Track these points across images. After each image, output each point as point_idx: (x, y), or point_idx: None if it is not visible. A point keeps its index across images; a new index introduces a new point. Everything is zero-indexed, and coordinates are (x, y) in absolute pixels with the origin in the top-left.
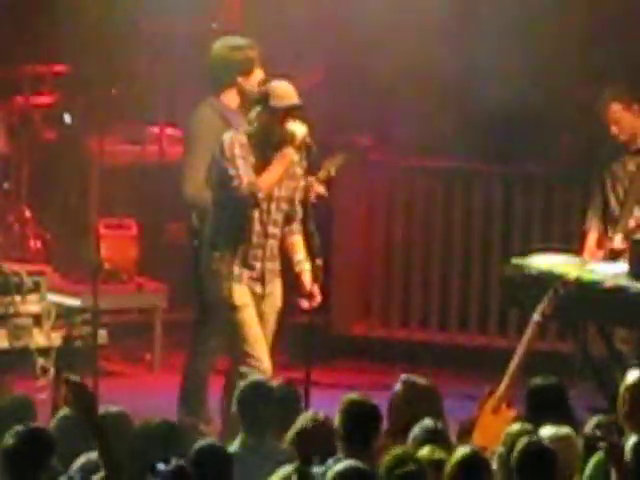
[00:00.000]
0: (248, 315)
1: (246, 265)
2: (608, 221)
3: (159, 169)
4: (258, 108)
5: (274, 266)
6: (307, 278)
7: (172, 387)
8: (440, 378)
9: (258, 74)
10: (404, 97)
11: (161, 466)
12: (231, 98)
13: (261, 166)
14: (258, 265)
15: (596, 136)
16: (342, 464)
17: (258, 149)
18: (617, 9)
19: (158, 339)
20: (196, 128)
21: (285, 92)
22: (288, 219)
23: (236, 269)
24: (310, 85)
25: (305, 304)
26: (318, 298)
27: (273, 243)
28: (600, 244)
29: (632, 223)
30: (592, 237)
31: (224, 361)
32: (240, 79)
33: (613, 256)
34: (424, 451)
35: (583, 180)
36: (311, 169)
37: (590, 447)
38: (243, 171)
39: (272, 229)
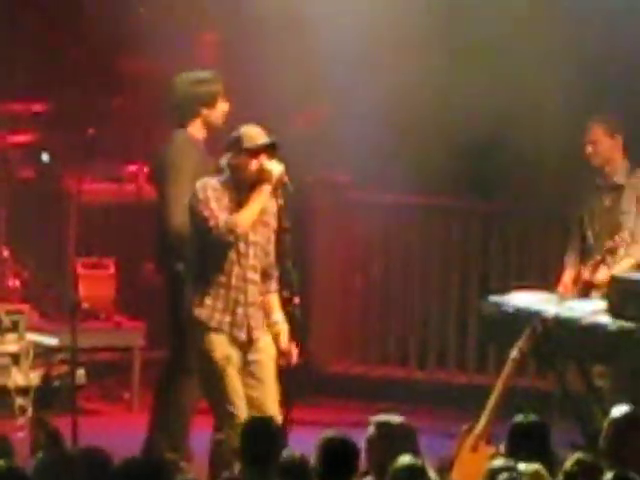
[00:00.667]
0: (225, 367)
1: (227, 310)
2: (586, 257)
3: (137, 207)
4: (230, 154)
5: (258, 314)
6: (284, 339)
7: None
8: (419, 415)
9: (223, 106)
10: (382, 135)
11: None
12: (196, 130)
13: (236, 208)
14: (240, 310)
15: (576, 174)
16: None
17: (232, 193)
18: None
19: (136, 378)
20: (174, 159)
21: (257, 133)
22: (266, 275)
23: (217, 315)
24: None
25: (282, 362)
26: (294, 357)
27: (253, 289)
28: (577, 281)
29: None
30: (568, 274)
31: None
32: (204, 111)
33: (585, 288)
34: None
35: (560, 217)
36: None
37: None
38: (217, 211)
39: (251, 274)
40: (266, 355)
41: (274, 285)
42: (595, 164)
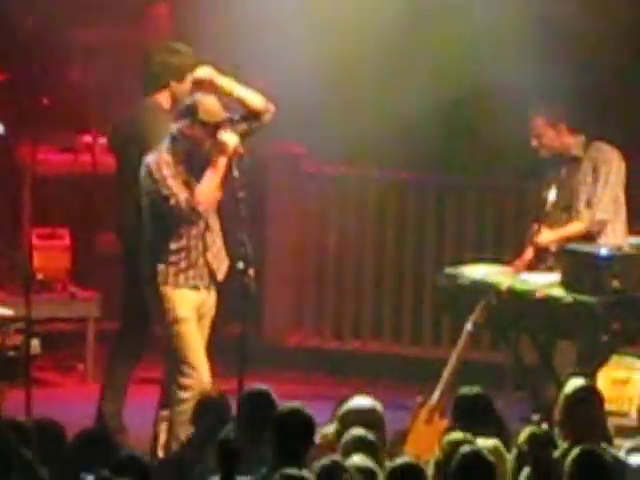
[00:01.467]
0: (189, 327)
1: (190, 267)
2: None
3: (92, 178)
4: (185, 121)
5: (216, 249)
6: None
7: None
8: (373, 388)
9: (187, 83)
10: (337, 107)
11: (87, 477)
12: (164, 100)
13: (191, 180)
14: (201, 261)
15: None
16: None
17: (185, 164)
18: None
19: (90, 349)
20: (147, 127)
21: (213, 106)
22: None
23: (181, 276)
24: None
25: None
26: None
27: (212, 235)
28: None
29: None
30: (528, 251)
31: (160, 371)
32: (173, 83)
33: (537, 252)
34: (354, 459)
35: (515, 190)
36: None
37: (522, 459)
38: (176, 189)
39: (210, 221)
40: (207, 317)
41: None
42: (544, 155)
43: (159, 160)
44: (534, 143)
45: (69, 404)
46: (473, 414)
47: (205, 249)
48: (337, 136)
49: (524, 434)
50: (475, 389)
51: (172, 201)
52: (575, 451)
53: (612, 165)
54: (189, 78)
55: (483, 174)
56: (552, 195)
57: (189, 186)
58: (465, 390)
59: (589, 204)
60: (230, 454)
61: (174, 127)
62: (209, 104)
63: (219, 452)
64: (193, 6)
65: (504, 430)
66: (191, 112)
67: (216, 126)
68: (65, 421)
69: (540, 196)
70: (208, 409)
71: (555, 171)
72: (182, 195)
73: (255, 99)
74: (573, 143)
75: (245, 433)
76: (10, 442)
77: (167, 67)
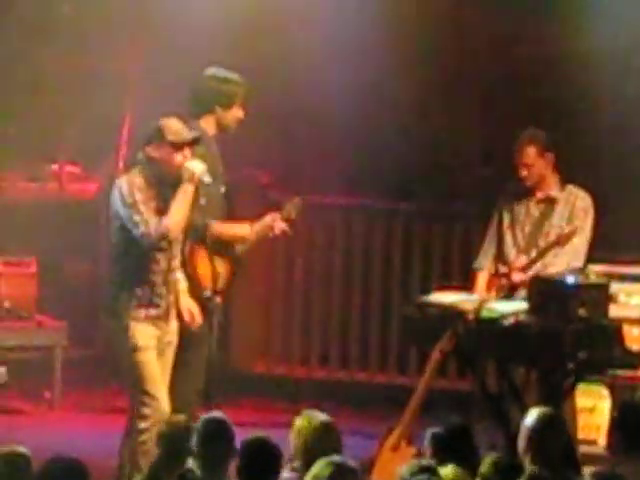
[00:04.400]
0: (149, 356)
1: (152, 305)
2: (501, 262)
3: (59, 207)
4: (153, 144)
5: (173, 299)
6: (184, 299)
7: (72, 425)
8: (341, 415)
9: (238, 112)
10: (304, 135)
11: None
12: (209, 125)
13: (162, 205)
14: (164, 303)
15: (499, 175)
16: None
17: (156, 188)
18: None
19: (58, 377)
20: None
21: (179, 127)
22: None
23: (142, 312)
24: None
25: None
26: (198, 318)
27: (174, 277)
28: (490, 285)
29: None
30: (482, 277)
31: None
32: (219, 110)
33: (508, 295)
34: None
35: (482, 218)
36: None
37: None
38: (147, 216)
39: (174, 263)
40: (168, 345)
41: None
42: (529, 184)
43: (132, 184)
44: (524, 173)
45: (36, 432)
46: (450, 444)
47: (169, 291)
48: (304, 164)
49: (486, 461)
50: (455, 419)
51: (142, 228)
52: (524, 477)
53: (589, 213)
54: (237, 108)
55: (451, 200)
56: (511, 236)
57: (160, 212)
58: (444, 419)
59: (561, 247)
60: None
61: (141, 153)
62: (175, 126)
63: None
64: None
65: (478, 459)
66: (158, 134)
67: (183, 145)
68: (32, 449)
69: (495, 227)
70: (172, 437)
71: (522, 208)
72: (152, 221)
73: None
74: (552, 180)
75: (204, 463)
76: None
77: (215, 93)
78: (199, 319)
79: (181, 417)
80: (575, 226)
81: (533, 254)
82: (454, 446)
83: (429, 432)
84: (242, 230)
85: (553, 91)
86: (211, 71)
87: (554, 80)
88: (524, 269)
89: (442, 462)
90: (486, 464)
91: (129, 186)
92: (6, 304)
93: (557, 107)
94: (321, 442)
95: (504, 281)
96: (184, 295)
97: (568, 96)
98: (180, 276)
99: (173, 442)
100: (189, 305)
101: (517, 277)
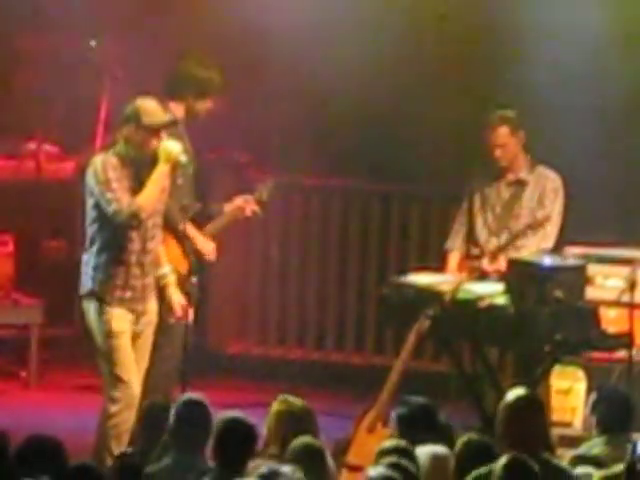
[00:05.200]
0: (122, 341)
1: (127, 286)
2: (471, 243)
3: (36, 185)
4: (129, 126)
5: (151, 280)
6: (172, 291)
7: (48, 403)
8: (316, 397)
9: (210, 102)
10: (283, 114)
11: None
12: (178, 111)
13: (136, 185)
14: (139, 284)
15: (472, 155)
16: None
17: (131, 168)
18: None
19: (34, 355)
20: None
21: (156, 109)
22: (156, 228)
23: (117, 292)
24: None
25: (172, 319)
26: (187, 312)
27: (150, 258)
28: (461, 266)
29: (491, 247)
30: (454, 258)
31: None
32: (191, 98)
33: (481, 276)
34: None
35: (459, 198)
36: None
37: (462, 467)
38: (120, 193)
39: (149, 244)
40: (147, 325)
41: (160, 236)
42: (503, 164)
43: (106, 162)
44: (497, 153)
45: (12, 411)
46: (416, 423)
47: (144, 272)
48: (281, 144)
49: (461, 441)
50: (418, 399)
51: (114, 205)
52: (503, 458)
53: (559, 195)
54: (209, 98)
55: (429, 180)
56: (482, 218)
57: (134, 192)
58: (407, 399)
59: (532, 231)
60: (129, 470)
61: (118, 133)
62: (151, 108)
63: (118, 467)
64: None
65: (451, 439)
66: (134, 116)
67: (159, 128)
68: (8, 428)
69: (465, 209)
70: (152, 416)
71: (493, 190)
72: (125, 200)
73: None
74: (523, 161)
75: (180, 443)
76: None
77: (191, 83)
78: (191, 314)
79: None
80: (548, 213)
81: (504, 236)
82: (418, 426)
83: (393, 413)
84: (205, 247)
85: None
86: (192, 58)
87: None
88: (495, 255)
89: (410, 442)
90: (459, 444)
91: (103, 164)
92: None
93: None
94: (299, 427)
95: (476, 264)
96: (174, 289)
97: None
98: (168, 269)
99: (153, 421)
100: (180, 300)
101: (488, 267)
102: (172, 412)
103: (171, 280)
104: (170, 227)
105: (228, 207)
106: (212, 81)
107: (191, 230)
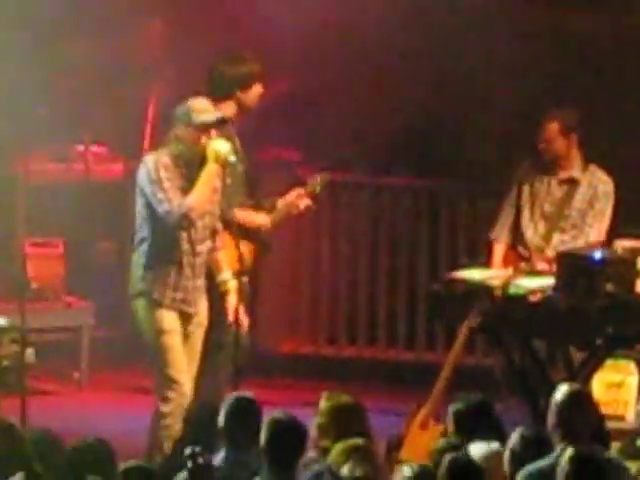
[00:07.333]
0: (174, 340)
1: (179, 287)
2: (516, 236)
3: (85, 187)
4: (180, 125)
5: (202, 283)
6: (232, 297)
7: (100, 405)
8: (368, 394)
9: (258, 88)
10: (331, 113)
11: None
12: (229, 109)
13: (188, 185)
14: (190, 285)
15: (521, 149)
16: None
17: (183, 168)
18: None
19: (85, 357)
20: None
21: (206, 108)
22: (213, 233)
23: (168, 293)
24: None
25: (231, 322)
26: (245, 320)
27: (201, 260)
28: (507, 258)
29: (549, 254)
30: (499, 249)
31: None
32: (238, 92)
33: (531, 272)
34: (345, 469)
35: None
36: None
37: (516, 462)
38: (172, 193)
39: (199, 246)
40: (197, 326)
41: (220, 241)
42: (547, 159)
43: (158, 161)
44: (542, 146)
45: (65, 413)
46: (472, 419)
47: (194, 274)
48: (332, 142)
49: (515, 436)
50: (474, 394)
51: (165, 205)
52: (569, 451)
53: (610, 199)
54: (256, 85)
55: (477, 176)
56: (529, 212)
57: (185, 192)
58: (463, 395)
59: (582, 232)
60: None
61: (172, 132)
62: (202, 106)
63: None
64: None
65: (503, 434)
66: (185, 115)
67: (210, 127)
68: (61, 430)
69: (512, 200)
70: (199, 419)
71: (544, 186)
72: (176, 200)
73: None
74: (575, 160)
75: (232, 440)
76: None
77: (226, 77)
78: (245, 323)
79: (209, 400)
80: (597, 216)
81: (556, 236)
82: (475, 422)
83: (450, 409)
84: (261, 220)
85: None
86: (223, 57)
87: None
88: (550, 262)
89: (465, 438)
90: (514, 438)
91: (155, 164)
92: (34, 285)
93: None
94: (348, 423)
95: (524, 265)
96: (233, 295)
97: None
98: (229, 275)
99: (200, 424)
100: (236, 306)
101: (541, 266)
102: (223, 410)
103: (231, 286)
104: (222, 227)
105: (281, 202)
106: (252, 73)
107: (241, 213)
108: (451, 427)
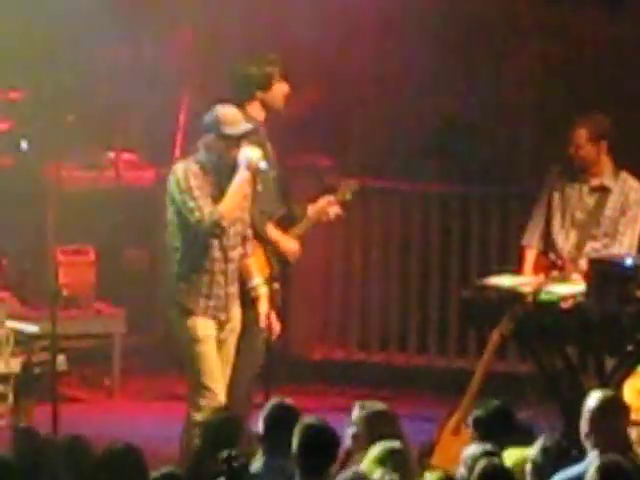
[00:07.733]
0: (208, 348)
1: (211, 296)
2: (547, 242)
3: (116, 194)
4: (209, 135)
5: (234, 289)
6: (264, 303)
7: (131, 412)
8: (400, 400)
9: (281, 87)
10: (360, 119)
11: None
12: (255, 111)
13: (218, 193)
14: (222, 292)
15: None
16: None
17: (213, 176)
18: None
19: (117, 364)
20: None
21: (235, 118)
22: (243, 239)
23: (201, 301)
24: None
25: (262, 329)
26: (276, 326)
27: (233, 267)
28: (537, 264)
29: (583, 265)
30: (531, 255)
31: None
32: (259, 93)
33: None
34: (376, 475)
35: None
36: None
37: (540, 468)
38: (202, 202)
39: (231, 253)
40: (230, 332)
41: (250, 248)
42: (577, 166)
43: (188, 170)
44: (571, 151)
45: (96, 420)
46: (493, 425)
47: (227, 281)
48: (362, 149)
49: (536, 447)
50: (494, 400)
51: (197, 214)
52: (596, 461)
53: None
54: (278, 84)
55: (507, 182)
56: (560, 218)
57: (215, 200)
58: (483, 402)
59: (614, 240)
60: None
61: (201, 141)
62: (231, 117)
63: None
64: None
65: (532, 440)
66: (214, 126)
67: (239, 138)
68: (93, 437)
69: (543, 206)
70: (215, 428)
71: (575, 192)
72: (207, 208)
73: None
74: (605, 167)
75: (270, 447)
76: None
77: (245, 78)
78: (277, 329)
79: (227, 410)
80: (629, 223)
81: (589, 244)
82: (494, 428)
83: (470, 416)
84: (290, 246)
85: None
86: (240, 59)
87: None
88: (575, 262)
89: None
90: (536, 449)
91: (185, 172)
92: (65, 292)
93: None
94: (383, 430)
95: (555, 273)
96: (264, 301)
97: None
98: (260, 281)
99: (216, 433)
100: (268, 312)
101: (575, 276)
102: (262, 416)
103: (262, 292)
104: (252, 233)
105: (311, 210)
106: (270, 73)
107: (273, 232)
108: (473, 434)
